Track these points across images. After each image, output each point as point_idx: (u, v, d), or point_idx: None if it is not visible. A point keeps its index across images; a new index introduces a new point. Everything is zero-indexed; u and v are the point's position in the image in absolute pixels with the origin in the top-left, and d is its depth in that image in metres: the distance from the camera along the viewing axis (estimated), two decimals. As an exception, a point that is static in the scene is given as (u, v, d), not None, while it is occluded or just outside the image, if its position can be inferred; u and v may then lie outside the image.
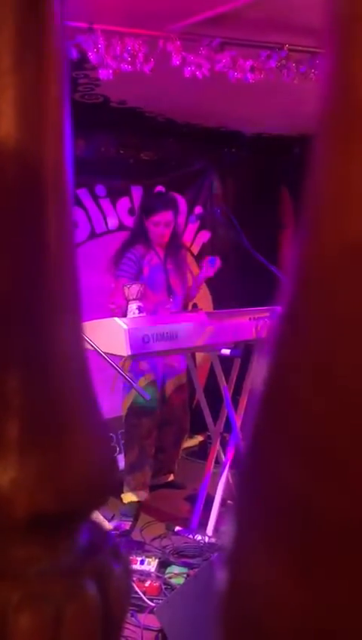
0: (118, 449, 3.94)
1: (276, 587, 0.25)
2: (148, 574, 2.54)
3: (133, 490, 3.30)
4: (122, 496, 3.31)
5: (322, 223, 0.26)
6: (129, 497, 3.30)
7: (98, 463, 0.36)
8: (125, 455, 3.38)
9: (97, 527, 0.38)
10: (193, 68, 2.69)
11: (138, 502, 3.30)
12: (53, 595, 0.32)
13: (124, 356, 2.53)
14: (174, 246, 3.43)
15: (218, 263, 3.39)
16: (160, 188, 3.93)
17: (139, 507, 3.31)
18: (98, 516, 2.74)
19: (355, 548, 0.23)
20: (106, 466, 0.37)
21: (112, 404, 3.60)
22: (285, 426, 0.26)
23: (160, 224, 3.30)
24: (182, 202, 4.54)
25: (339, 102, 0.25)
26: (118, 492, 3.32)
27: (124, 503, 3.28)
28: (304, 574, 0.24)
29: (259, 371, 0.29)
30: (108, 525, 2.98)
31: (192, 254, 4.48)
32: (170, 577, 2.55)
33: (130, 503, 3.28)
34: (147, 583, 2.47)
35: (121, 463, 3.54)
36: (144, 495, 3.34)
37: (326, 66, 0.26)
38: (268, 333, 2.97)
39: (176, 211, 3.42)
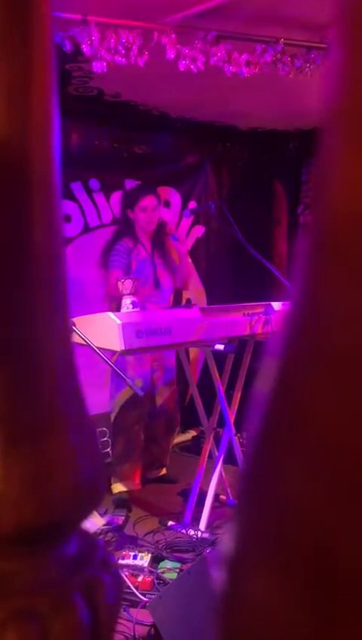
0: (110, 443, 3.94)
1: (277, 610, 0.24)
2: (140, 569, 2.54)
3: (122, 480, 3.32)
4: (111, 487, 3.33)
5: (331, 201, 0.25)
6: (118, 487, 3.33)
7: (85, 470, 0.35)
8: (113, 446, 3.40)
9: (86, 536, 0.37)
10: (188, 61, 2.67)
11: (127, 492, 3.32)
12: (39, 610, 0.31)
13: (117, 351, 2.52)
14: (161, 238, 3.44)
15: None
16: (132, 182, 4.01)
17: (130, 500, 3.32)
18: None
19: None
20: (94, 472, 0.36)
21: (105, 398, 3.59)
22: (297, 438, 0.24)
23: (147, 209, 3.33)
24: (176, 197, 4.52)
25: (349, 93, 0.24)
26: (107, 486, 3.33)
27: (114, 494, 3.30)
28: (312, 606, 0.23)
29: (264, 373, 0.28)
30: (101, 520, 2.98)
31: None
32: (162, 572, 2.55)
33: (120, 493, 3.31)
34: (140, 578, 2.47)
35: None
36: (133, 485, 3.36)
37: (335, 58, 0.25)
38: (275, 329, 2.97)
39: (158, 198, 3.43)
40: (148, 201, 3.33)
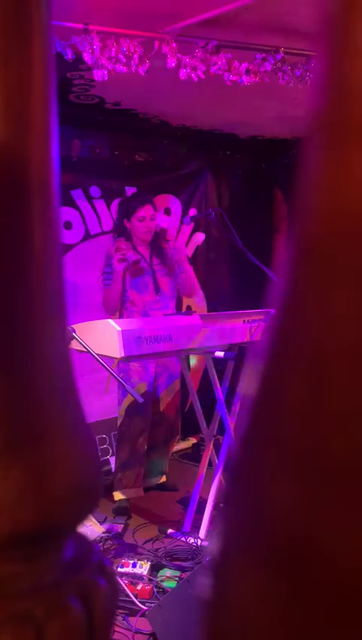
0: (110, 451, 3.93)
1: (260, 610, 0.24)
2: (140, 577, 2.53)
3: (124, 488, 3.32)
4: (113, 494, 3.33)
5: (312, 205, 0.25)
6: (119, 495, 3.32)
7: (82, 475, 0.35)
8: (117, 454, 3.40)
9: (83, 540, 0.37)
10: (188, 70, 2.68)
11: (128, 500, 3.32)
12: (35, 613, 0.31)
13: (116, 358, 2.52)
14: (158, 244, 3.45)
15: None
16: (132, 189, 3.99)
17: (130, 508, 3.31)
18: (90, 519, 2.73)
19: (351, 594, 0.22)
20: (90, 477, 0.36)
21: (106, 405, 3.59)
22: (278, 438, 0.25)
23: (145, 219, 3.33)
24: (176, 204, 4.54)
25: (334, 101, 0.25)
26: (107, 494, 3.32)
27: (115, 501, 3.30)
28: (293, 605, 0.23)
29: (250, 376, 0.28)
30: (100, 528, 2.96)
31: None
32: (162, 580, 2.53)
33: (121, 500, 3.30)
34: (139, 586, 2.46)
35: (113, 464, 3.55)
36: (135, 493, 3.35)
37: (320, 66, 0.25)
38: (261, 334, 2.97)
39: (154, 206, 3.42)
40: (145, 211, 3.32)
